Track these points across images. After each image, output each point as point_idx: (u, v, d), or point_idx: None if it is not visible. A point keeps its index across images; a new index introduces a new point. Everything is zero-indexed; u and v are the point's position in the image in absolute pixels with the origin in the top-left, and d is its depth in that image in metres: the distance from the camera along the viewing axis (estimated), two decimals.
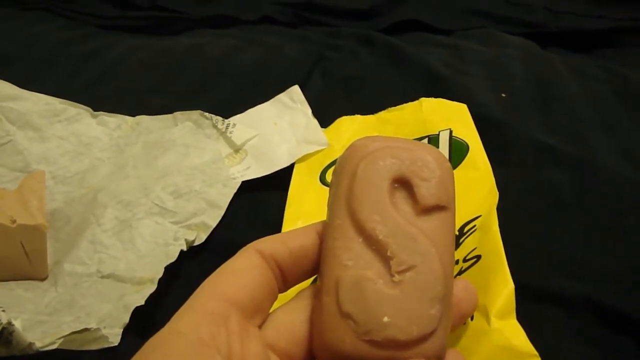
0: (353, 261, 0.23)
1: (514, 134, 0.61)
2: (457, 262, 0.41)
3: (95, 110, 0.61)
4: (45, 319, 0.40)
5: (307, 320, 0.25)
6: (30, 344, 0.33)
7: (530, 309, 0.41)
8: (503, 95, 0.69)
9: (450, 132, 0.51)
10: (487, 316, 0.36)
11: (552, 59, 0.78)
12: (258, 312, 0.24)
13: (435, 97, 0.60)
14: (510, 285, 0.37)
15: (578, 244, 0.48)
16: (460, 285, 0.27)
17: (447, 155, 0.50)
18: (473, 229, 0.43)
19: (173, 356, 0.20)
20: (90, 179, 0.54)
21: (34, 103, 0.58)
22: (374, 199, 0.24)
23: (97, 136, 0.58)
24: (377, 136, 0.26)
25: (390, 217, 0.24)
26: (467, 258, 0.40)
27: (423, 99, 0.58)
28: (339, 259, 0.24)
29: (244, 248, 0.25)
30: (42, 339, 0.34)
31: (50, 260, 0.47)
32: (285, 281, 0.25)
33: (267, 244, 0.25)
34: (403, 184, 0.25)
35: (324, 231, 0.25)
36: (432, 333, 0.22)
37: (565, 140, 0.61)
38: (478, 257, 0.40)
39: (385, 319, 0.22)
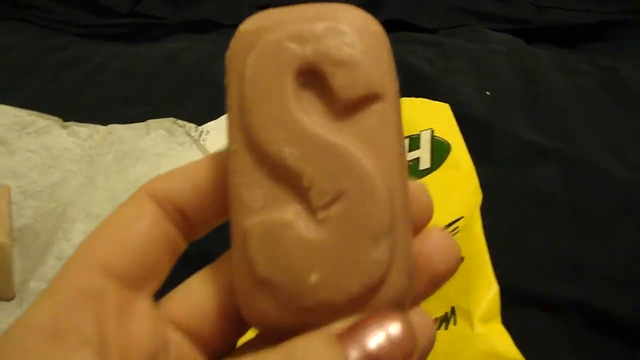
0: (261, 201, 0.17)
1: (499, 132, 0.59)
2: None
3: (69, 121, 0.59)
4: None
5: (225, 295, 0.19)
6: None
7: (517, 312, 0.39)
8: (488, 92, 0.67)
9: (432, 131, 0.50)
10: (470, 320, 0.34)
11: (538, 54, 0.77)
12: (151, 277, 0.18)
13: (419, 96, 0.58)
14: (495, 288, 0.35)
15: (567, 244, 0.46)
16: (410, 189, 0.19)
17: (428, 157, 0.48)
18: (455, 231, 0.41)
19: (18, 358, 0.15)
20: (60, 193, 0.52)
21: (1, 116, 0.56)
22: (274, 108, 0.17)
23: (68, 147, 0.56)
24: (268, 11, 0.18)
25: (300, 129, 0.17)
26: None
27: (404, 98, 0.56)
28: (242, 200, 0.17)
29: (135, 192, 0.19)
30: None
31: (18, 278, 0.45)
32: (193, 227, 0.19)
33: (161, 182, 0.19)
34: (312, 75, 0.17)
35: (227, 162, 0.18)
36: (381, 281, 0.16)
37: (551, 137, 0.59)
38: (461, 260, 0.38)
39: (313, 276, 0.16)
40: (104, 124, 0.60)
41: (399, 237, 0.17)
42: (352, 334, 0.16)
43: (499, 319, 0.34)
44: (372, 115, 0.17)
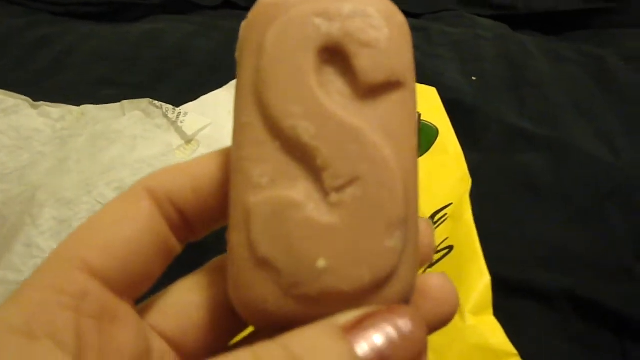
0: (269, 177, 0.16)
1: (486, 117, 0.58)
2: None
3: (40, 101, 0.56)
4: None
5: (211, 303, 0.18)
6: None
7: (505, 303, 0.38)
8: (473, 78, 0.66)
9: (419, 115, 0.48)
10: (461, 312, 0.33)
11: (523, 40, 0.75)
12: (139, 283, 0.17)
13: None
14: (487, 278, 0.34)
15: (556, 231, 0.45)
16: None
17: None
18: (444, 218, 0.39)
19: None
20: (30, 176, 0.49)
21: None
22: (293, 82, 0.16)
23: (38, 128, 0.53)
24: None
25: (318, 107, 0.16)
26: (439, 248, 0.37)
27: None
28: (248, 175, 0.16)
29: (131, 187, 0.18)
30: None
31: None
32: (191, 229, 0.18)
33: (163, 179, 0.18)
34: (335, 54, 0.16)
35: (232, 137, 0.17)
36: (391, 274, 0.15)
37: (538, 123, 0.58)
38: (450, 248, 0.36)
39: (321, 262, 0.15)
40: (78, 105, 0.58)
41: (410, 231, 0.16)
42: (359, 328, 0.14)
43: (490, 310, 0.33)
44: (392, 102, 0.16)
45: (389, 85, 0.16)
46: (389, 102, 0.16)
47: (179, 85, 0.65)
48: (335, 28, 0.16)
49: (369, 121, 0.16)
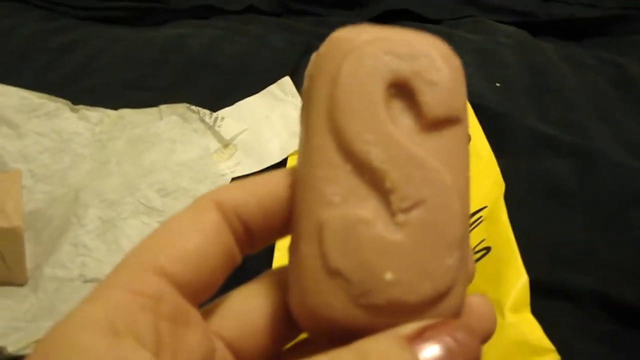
0: (340, 196, 0.17)
1: (511, 123, 0.59)
2: None
3: (76, 104, 0.58)
4: (23, 325, 0.37)
5: (269, 310, 0.19)
6: (1, 349, 0.31)
7: (533, 302, 0.40)
8: (497, 84, 0.67)
9: None
10: (501, 310, 0.34)
11: (544, 47, 0.77)
12: (205, 289, 0.18)
13: None
14: (524, 277, 0.35)
15: (580, 234, 0.46)
16: None
17: None
18: (479, 220, 0.41)
19: (74, 354, 0.15)
20: (71, 177, 0.51)
21: (8, 97, 0.55)
22: (365, 111, 0.18)
23: (78, 131, 0.55)
24: (363, 25, 0.19)
25: (388, 135, 0.18)
26: (476, 250, 0.38)
27: None
28: (320, 193, 0.18)
29: (199, 198, 0.19)
30: (15, 343, 0.32)
31: (30, 264, 0.44)
32: (251, 242, 0.19)
33: (230, 193, 0.19)
34: (402, 89, 0.18)
35: (298, 156, 0.19)
36: (449, 289, 0.17)
37: (562, 129, 0.59)
38: (488, 249, 0.38)
39: (388, 275, 0.17)
40: (110, 108, 0.59)
41: (465, 253, 0.18)
42: (421, 339, 0.16)
43: (528, 308, 0.35)
44: (450, 136, 0.18)
45: (448, 121, 0.18)
46: (448, 136, 0.18)
47: (206, 89, 0.67)
48: (403, 66, 0.18)
49: (430, 151, 0.18)
